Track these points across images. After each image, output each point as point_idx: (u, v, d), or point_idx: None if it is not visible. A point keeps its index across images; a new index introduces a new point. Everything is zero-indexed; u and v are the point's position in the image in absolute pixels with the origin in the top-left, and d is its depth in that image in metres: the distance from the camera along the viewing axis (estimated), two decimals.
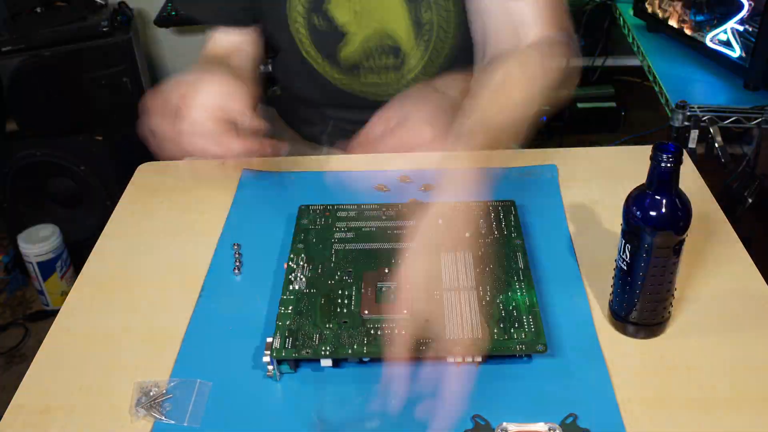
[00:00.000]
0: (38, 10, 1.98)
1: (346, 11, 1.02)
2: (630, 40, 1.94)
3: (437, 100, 0.90)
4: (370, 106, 0.98)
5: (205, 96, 0.84)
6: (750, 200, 1.84)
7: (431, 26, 1.01)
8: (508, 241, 0.82)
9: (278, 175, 0.99)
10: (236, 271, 0.83)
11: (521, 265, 0.78)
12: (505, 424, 0.64)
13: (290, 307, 0.74)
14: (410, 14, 1.01)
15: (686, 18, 1.81)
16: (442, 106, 0.88)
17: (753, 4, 1.61)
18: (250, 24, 1.10)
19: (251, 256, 0.85)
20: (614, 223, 0.88)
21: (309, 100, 1.17)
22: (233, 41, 1.11)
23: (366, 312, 0.72)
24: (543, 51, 0.94)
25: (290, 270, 0.79)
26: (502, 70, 0.90)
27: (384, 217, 0.86)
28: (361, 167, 1.02)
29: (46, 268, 2.02)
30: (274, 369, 0.68)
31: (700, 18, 1.77)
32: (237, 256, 0.84)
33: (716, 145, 1.66)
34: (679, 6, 1.82)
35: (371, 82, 1.08)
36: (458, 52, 1.04)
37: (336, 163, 1.03)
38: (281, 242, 0.86)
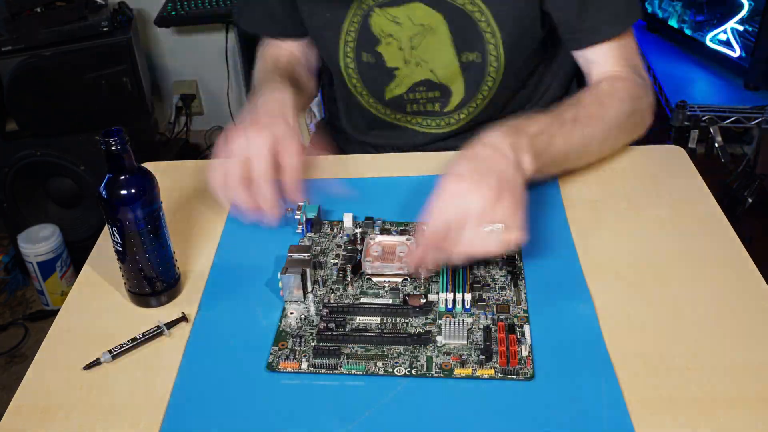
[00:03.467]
0: (38, 9, 1.98)
1: (398, 58, 1.02)
2: None
3: (499, 166, 0.77)
4: (413, 135, 1.09)
5: (258, 158, 0.84)
6: (750, 200, 1.84)
7: (478, 68, 1.01)
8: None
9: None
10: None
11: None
12: None
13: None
14: (459, 59, 1.01)
15: (686, 18, 1.81)
16: (506, 175, 0.76)
17: (753, 4, 1.61)
18: (305, 37, 1.12)
19: (249, 263, 0.85)
20: (615, 222, 0.88)
21: (350, 131, 1.18)
22: (290, 48, 1.13)
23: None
24: (610, 94, 0.93)
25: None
26: (572, 110, 0.89)
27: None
28: (358, 174, 1.02)
29: (46, 268, 2.02)
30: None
31: (700, 18, 1.77)
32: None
33: (716, 145, 1.67)
34: (679, 6, 1.82)
35: (415, 111, 1.09)
36: (504, 91, 1.04)
37: (331, 168, 1.03)
38: (277, 251, 0.86)
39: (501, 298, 0.77)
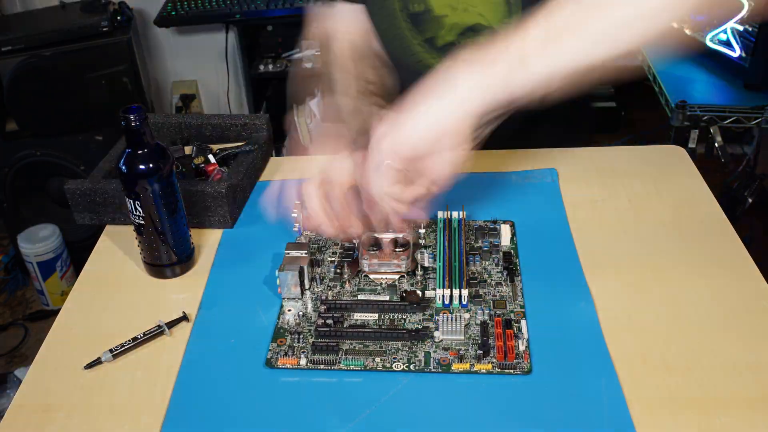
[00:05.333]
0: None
1: (444, 5, 1.01)
2: None
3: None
4: None
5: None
6: (750, 200, 1.84)
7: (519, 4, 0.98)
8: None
9: (274, 183, 0.98)
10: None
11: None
12: None
13: None
14: (505, 2, 0.99)
15: (686, 18, 1.80)
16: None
17: (753, 4, 1.61)
18: None
19: (248, 262, 0.85)
20: (615, 222, 0.88)
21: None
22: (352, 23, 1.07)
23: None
24: None
25: None
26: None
27: None
28: None
29: (46, 268, 2.02)
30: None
31: (700, 18, 1.77)
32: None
33: (716, 145, 1.67)
34: None
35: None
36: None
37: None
38: (275, 248, 0.86)
39: (498, 294, 0.77)
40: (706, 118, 1.63)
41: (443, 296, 0.76)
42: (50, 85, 1.97)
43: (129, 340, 0.74)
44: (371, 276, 0.80)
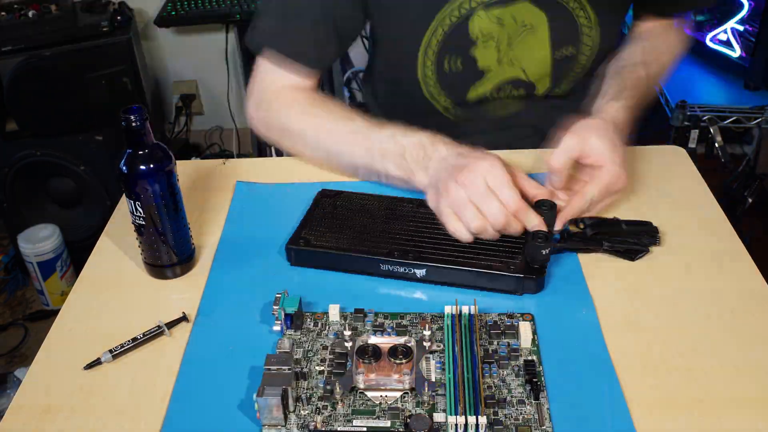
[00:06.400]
0: (30, 14, 1.99)
1: (491, 59, 1.02)
2: None
3: (605, 128, 0.88)
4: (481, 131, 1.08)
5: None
6: (750, 200, 1.84)
7: (569, 61, 1.03)
8: None
9: (273, 186, 0.99)
10: None
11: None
12: None
13: None
14: (553, 55, 1.02)
15: (686, 18, 1.80)
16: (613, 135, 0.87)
17: (753, 4, 1.61)
18: (324, 68, 1.05)
19: (248, 263, 0.85)
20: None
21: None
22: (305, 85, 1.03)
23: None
24: (660, 41, 1.08)
25: None
26: (633, 67, 1.00)
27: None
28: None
29: (46, 268, 2.02)
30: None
31: (700, 18, 1.77)
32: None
33: (716, 145, 1.67)
34: None
35: (496, 113, 1.09)
36: (584, 79, 1.06)
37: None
38: (279, 247, 0.86)
39: (521, 417, 0.65)
40: (706, 118, 1.63)
41: (456, 426, 0.64)
42: (50, 85, 1.97)
43: (129, 341, 0.74)
44: (368, 394, 0.68)
